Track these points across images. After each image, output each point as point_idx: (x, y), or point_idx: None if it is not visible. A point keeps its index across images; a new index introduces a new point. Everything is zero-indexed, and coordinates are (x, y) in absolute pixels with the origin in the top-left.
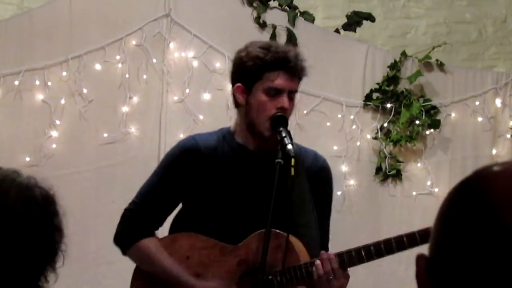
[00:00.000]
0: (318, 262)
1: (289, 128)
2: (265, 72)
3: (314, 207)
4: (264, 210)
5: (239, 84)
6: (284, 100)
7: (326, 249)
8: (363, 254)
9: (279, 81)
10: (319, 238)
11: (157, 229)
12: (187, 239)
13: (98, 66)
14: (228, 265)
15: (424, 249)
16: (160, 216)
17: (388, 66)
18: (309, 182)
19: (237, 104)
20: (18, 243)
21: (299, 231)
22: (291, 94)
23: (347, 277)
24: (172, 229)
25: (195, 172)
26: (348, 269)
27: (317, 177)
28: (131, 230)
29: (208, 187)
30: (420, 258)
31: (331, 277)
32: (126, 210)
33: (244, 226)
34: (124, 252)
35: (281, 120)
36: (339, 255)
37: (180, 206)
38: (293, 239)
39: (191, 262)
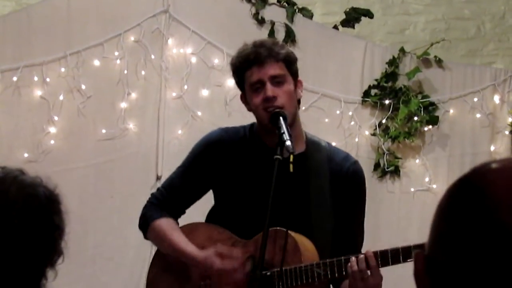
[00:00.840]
0: (353, 258)
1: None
2: (244, 74)
3: (338, 210)
4: (278, 207)
5: (241, 93)
6: (266, 89)
7: (357, 253)
8: (400, 253)
9: (253, 75)
10: (330, 242)
11: (179, 216)
12: (205, 229)
13: (96, 62)
14: (237, 259)
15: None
16: (182, 204)
17: (387, 63)
18: (334, 184)
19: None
20: (16, 239)
21: (314, 232)
22: (276, 79)
23: (381, 277)
24: (207, 220)
25: (217, 164)
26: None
27: (343, 177)
28: (151, 213)
29: (229, 180)
30: (418, 256)
31: (366, 276)
32: (151, 195)
33: (259, 221)
34: (146, 236)
35: (279, 116)
36: (379, 252)
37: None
38: (300, 241)
39: None
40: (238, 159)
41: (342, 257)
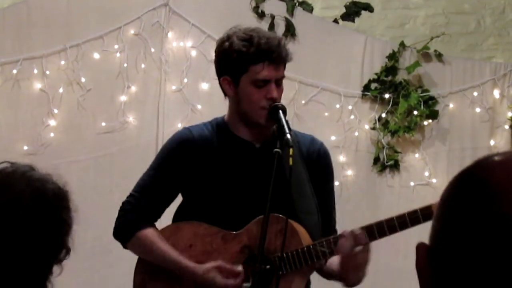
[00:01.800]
0: (344, 234)
1: (287, 118)
2: (250, 65)
3: (315, 192)
4: (262, 199)
5: (225, 76)
6: (272, 90)
7: (334, 232)
8: (384, 226)
9: (265, 72)
10: (320, 224)
11: (156, 221)
12: (190, 227)
13: (96, 55)
14: (231, 252)
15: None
16: (159, 208)
17: (387, 57)
18: (308, 168)
19: (226, 95)
20: (23, 234)
21: (300, 217)
22: (279, 81)
23: (370, 251)
24: (175, 220)
25: (191, 163)
26: None
27: (316, 161)
28: (130, 222)
29: (206, 177)
30: (420, 247)
31: (357, 250)
32: (124, 203)
33: (243, 215)
34: (125, 245)
35: (279, 109)
36: (366, 227)
37: (181, 198)
38: (295, 224)
39: (194, 250)
40: (212, 155)
41: (337, 234)
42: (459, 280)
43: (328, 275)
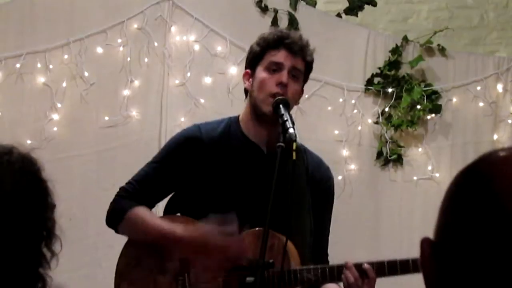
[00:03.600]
0: (350, 266)
1: (290, 112)
2: (267, 51)
3: (313, 213)
4: (260, 204)
5: (246, 70)
6: (283, 74)
7: (325, 255)
8: (398, 266)
9: (278, 56)
10: (311, 246)
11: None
12: (182, 221)
13: (99, 49)
14: (218, 257)
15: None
16: (153, 199)
17: (390, 51)
18: (310, 187)
19: (246, 91)
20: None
21: (294, 236)
22: (294, 72)
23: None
24: (166, 212)
25: (194, 161)
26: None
27: (319, 183)
28: (122, 205)
29: (207, 176)
30: (424, 241)
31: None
32: (120, 188)
33: (243, 216)
34: (117, 229)
35: (283, 104)
36: (377, 263)
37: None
38: (288, 244)
39: None
40: (218, 155)
41: (335, 265)
42: (463, 274)
43: None
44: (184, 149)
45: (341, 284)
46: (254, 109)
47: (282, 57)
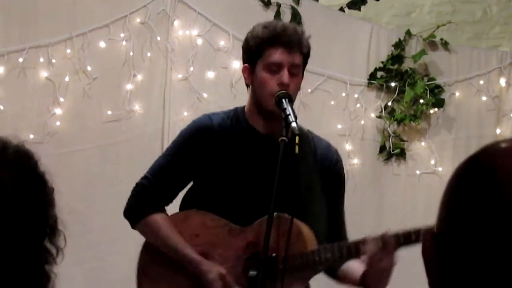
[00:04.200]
0: (374, 240)
1: (293, 106)
2: (265, 49)
3: (326, 199)
4: (270, 191)
5: (245, 64)
6: (284, 75)
7: (345, 239)
8: (412, 235)
9: (277, 55)
10: (326, 228)
11: (167, 205)
12: (199, 217)
13: (102, 44)
14: (236, 247)
15: None
16: (171, 192)
17: (393, 45)
18: (320, 172)
19: (247, 85)
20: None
21: (309, 220)
22: (293, 69)
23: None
24: (183, 206)
25: (208, 151)
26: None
27: (329, 168)
28: (141, 204)
29: (220, 167)
30: (427, 233)
31: (384, 257)
32: (137, 184)
33: (251, 208)
34: (133, 226)
35: (285, 98)
36: (395, 234)
37: (191, 183)
38: (302, 227)
39: (199, 240)
40: (227, 145)
41: (353, 241)
42: (464, 265)
43: (342, 278)
44: (196, 139)
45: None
46: (258, 104)
47: (280, 56)
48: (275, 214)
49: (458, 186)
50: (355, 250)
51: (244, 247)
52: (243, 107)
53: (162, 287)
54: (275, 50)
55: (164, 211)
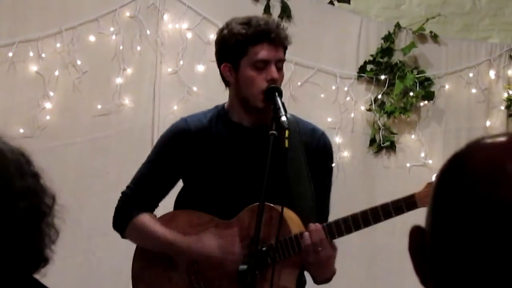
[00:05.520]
0: (306, 233)
1: (283, 99)
2: (249, 47)
3: (312, 179)
4: (260, 184)
5: (225, 63)
6: (272, 71)
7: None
8: (350, 223)
9: (264, 52)
10: (314, 209)
11: (153, 210)
12: (185, 215)
13: (92, 38)
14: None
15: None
16: (155, 197)
17: (382, 38)
18: (307, 155)
19: (227, 83)
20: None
21: (294, 202)
22: (279, 64)
23: (335, 249)
24: (176, 208)
25: (187, 153)
26: (343, 242)
27: (315, 150)
28: (126, 212)
29: (203, 166)
30: (414, 229)
31: (319, 248)
32: (122, 194)
33: (240, 201)
34: (123, 235)
35: (275, 91)
36: (327, 225)
37: (181, 185)
38: (286, 211)
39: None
40: (207, 144)
41: (294, 235)
42: (445, 260)
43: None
44: (174, 144)
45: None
46: (244, 102)
47: (266, 52)
48: (255, 204)
49: (439, 182)
50: (296, 243)
51: (233, 240)
52: (223, 105)
53: None
54: (261, 47)
55: (149, 213)
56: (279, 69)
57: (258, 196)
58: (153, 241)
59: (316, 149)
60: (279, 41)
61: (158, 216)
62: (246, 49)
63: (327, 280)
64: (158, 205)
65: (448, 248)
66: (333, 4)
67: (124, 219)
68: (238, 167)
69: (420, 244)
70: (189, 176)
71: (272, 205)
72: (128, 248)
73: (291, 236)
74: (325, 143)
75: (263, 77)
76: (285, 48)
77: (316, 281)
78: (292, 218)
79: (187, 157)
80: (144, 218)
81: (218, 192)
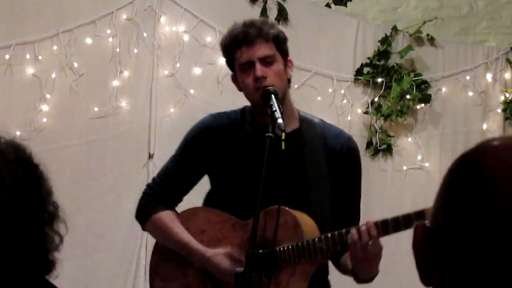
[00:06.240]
0: (354, 229)
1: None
2: (233, 54)
3: (335, 187)
4: (275, 185)
5: (232, 73)
6: (256, 69)
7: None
8: (400, 223)
9: (243, 55)
10: (329, 216)
11: (176, 204)
12: (204, 213)
13: (88, 40)
14: (238, 240)
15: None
16: (178, 192)
17: (379, 41)
18: (331, 159)
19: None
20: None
21: (313, 209)
22: (266, 59)
23: (381, 247)
24: (205, 205)
25: (212, 149)
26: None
27: (338, 154)
28: (148, 205)
29: (226, 163)
30: (418, 227)
31: (366, 246)
32: (146, 186)
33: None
34: (143, 227)
35: (270, 94)
36: (381, 223)
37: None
38: (301, 217)
39: (205, 236)
40: (232, 142)
41: (343, 230)
42: (451, 260)
43: (342, 269)
44: (199, 139)
45: None
46: (253, 105)
47: (246, 55)
48: (273, 207)
49: (450, 182)
50: (339, 239)
51: (246, 240)
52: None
53: (173, 285)
54: (240, 51)
55: (171, 209)
56: (269, 64)
57: (277, 198)
58: (168, 241)
59: (339, 153)
60: (253, 39)
61: (179, 211)
62: (233, 56)
63: (371, 279)
64: (182, 200)
65: (463, 248)
66: (330, 6)
67: (146, 213)
68: (258, 167)
69: (424, 242)
70: (213, 172)
71: (287, 208)
72: (125, 250)
73: (322, 236)
74: (349, 147)
75: (252, 78)
76: (273, 41)
77: (359, 279)
78: (306, 223)
79: (212, 153)
80: (164, 215)
81: (240, 191)
